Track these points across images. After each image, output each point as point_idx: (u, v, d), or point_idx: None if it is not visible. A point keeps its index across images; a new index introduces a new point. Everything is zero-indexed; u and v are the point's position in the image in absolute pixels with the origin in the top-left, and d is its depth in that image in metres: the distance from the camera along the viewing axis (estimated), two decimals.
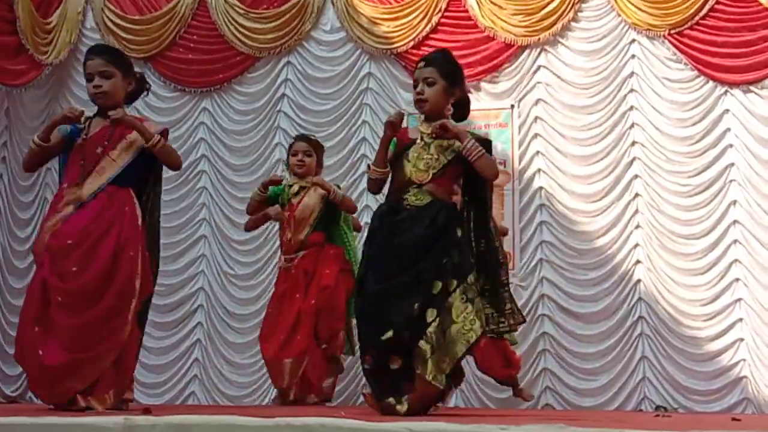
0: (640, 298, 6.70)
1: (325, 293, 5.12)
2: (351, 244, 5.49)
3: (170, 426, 2.19)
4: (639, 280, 6.73)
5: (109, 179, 3.63)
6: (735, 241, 6.58)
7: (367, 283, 3.52)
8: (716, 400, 6.41)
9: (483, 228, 3.65)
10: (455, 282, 3.43)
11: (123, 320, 3.52)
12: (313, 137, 5.58)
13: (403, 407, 3.33)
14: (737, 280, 6.53)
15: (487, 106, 7.20)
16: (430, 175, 3.54)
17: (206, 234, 7.53)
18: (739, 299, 6.50)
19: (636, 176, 6.86)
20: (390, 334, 3.34)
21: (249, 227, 5.81)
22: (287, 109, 7.57)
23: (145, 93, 3.92)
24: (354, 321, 5.09)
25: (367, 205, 7.27)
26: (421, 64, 3.68)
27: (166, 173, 7.47)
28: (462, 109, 3.76)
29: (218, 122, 7.67)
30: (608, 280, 6.79)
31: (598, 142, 6.94)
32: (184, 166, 7.47)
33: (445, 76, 3.63)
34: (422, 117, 3.70)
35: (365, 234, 3.94)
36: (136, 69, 3.93)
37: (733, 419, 3.36)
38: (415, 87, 3.65)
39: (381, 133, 7.03)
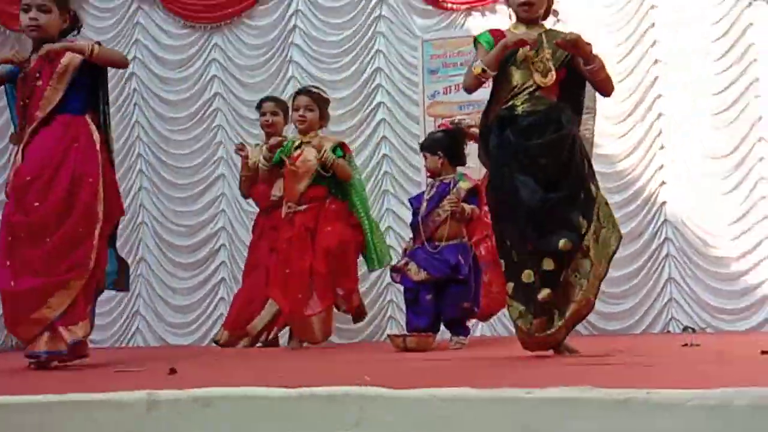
0: (666, 220, 6.63)
1: (331, 258, 5.04)
2: (361, 196, 5.33)
3: (193, 399, 2.18)
4: (665, 202, 6.64)
5: (53, 105, 3.67)
6: (761, 159, 6.46)
7: (520, 187, 3.38)
8: (743, 319, 6.38)
9: None
10: (594, 187, 3.47)
11: (88, 246, 3.58)
12: (315, 90, 5.35)
13: (555, 326, 3.36)
14: (764, 197, 6.43)
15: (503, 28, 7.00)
16: (553, 77, 3.45)
17: (225, 173, 7.48)
18: (766, 217, 6.41)
19: (659, 95, 6.71)
20: (569, 243, 3.30)
21: (245, 190, 5.97)
22: (299, 41, 7.43)
23: (76, 32, 3.90)
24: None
25: (384, 136, 7.20)
26: None
27: (177, 114, 7.45)
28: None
29: (230, 58, 7.55)
30: (633, 202, 6.70)
31: (621, 61, 6.72)
32: (198, 105, 7.49)
33: None
34: (514, 19, 3.59)
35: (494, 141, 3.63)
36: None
37: (763, 352, 3.31)
38: None
39: (395, 62, 7.03)
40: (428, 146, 5.07)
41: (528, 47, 3.45)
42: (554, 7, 3.70)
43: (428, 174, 5.21)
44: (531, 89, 3.47)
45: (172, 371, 3.07)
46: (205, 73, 7.59)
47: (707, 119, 6.58)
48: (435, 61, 7.08)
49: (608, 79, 3.53)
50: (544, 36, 3.51)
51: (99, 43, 3.79)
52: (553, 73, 3.45)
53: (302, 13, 7.45)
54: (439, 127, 5.21)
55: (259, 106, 6.02)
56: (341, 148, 5.28)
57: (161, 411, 2.15)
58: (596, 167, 6.56)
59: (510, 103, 3.50)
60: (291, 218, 5.13)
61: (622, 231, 6.48)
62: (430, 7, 7.19)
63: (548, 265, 3.35)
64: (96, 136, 3.72)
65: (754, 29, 6.51)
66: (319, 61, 7.37)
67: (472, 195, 4.91)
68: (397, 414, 2.03)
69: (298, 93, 5.37)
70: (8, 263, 3.55)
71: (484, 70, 3.45)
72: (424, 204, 4.95)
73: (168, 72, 7.66)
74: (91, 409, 2.20)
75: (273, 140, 5.37)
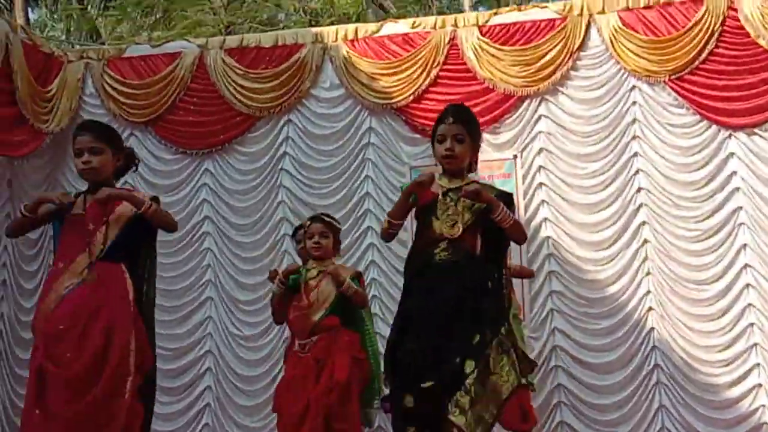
0: (654, 346, 6.62)
1: (338, 391, 4.88)
2: (370, 329, 5.21)
3: None
4: (652, 328, 6.65)
5: (100, 254, 3.62)
6: (747, 286, 6.51)
7: (407, 337, 3.57)
8: None
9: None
10: (490, 334, 3.52)
11: (120, 402, 3.49)
12: (327, 217, 5.30)
13: None
14: (752, 324, 6.46)
15: (489, 157, 7.15)
16: (460, 230, 3.62)
17: (212, 296, 7.45)
18: (755, 344, 6.43)
19: (644, 222, 6.81)
20: (430, 384, 3.40)
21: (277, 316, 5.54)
22: (289, 167, 7.54)
23: (134, 168, 3.92)
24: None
25: (373, 260, 7.23)
26: (450, 119, 3.71)
27: (167, 237, 7.48)
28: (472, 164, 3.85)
29: (220, 183, 7.63)
30: (621, 328, 6.71)
31: (604, 189, 6.89)
32: (187, 228, 7.52)
33: (472, 135, 3.74)
34: (440, 170, 3.76)
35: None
36: (127, 143, 3.95)
37: None
38: (440, 141, 3.70)
39: (384, 188, 7.14)
40: None
41: (445, 198, 3.65)
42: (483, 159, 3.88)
43: None
44: (450, 239, 3.63)
45: None
46: (195, 197, 7.65)
47: (693, 245, 6.66)
48: None
49: (516, 226, 3.69)
50: (464, 188, 3.65)
51: (158, 200, 3.80)
52: (460, 225, 3.61)
53: (292, 140, 7.58)
54: None
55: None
56: (357, 278, 5.25)
57: None
58: (583, 293, 6.73)
59: (431, 249, 3.66)
60: (303, 349, 5.04)
61: (611, 357, 6.65)
62: (417, 136, 7.35)
63: (408, 402, 3.48)
64: (130, 286, 3.68)
65: (735, 159, 6.67)
66: (308, 186, 7.46)
67: None
68: None
69: (312, 220, 5.27)
70: (37, 412, 3.45)
71: (389, 222, 3.71)
72: None
73: (158, 196, 7.69)
74: None
75: (289, 266, 5.33)
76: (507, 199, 3.74)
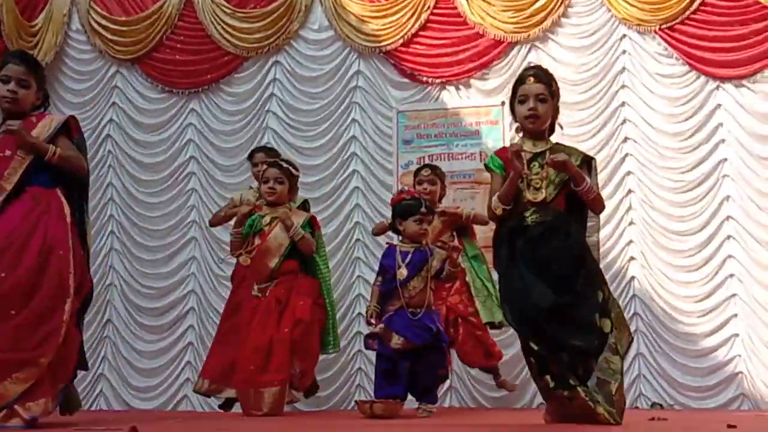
0: (634, 295, 6.67)
1: (300, 328, 4.94)
2: (326, 277, 5.29)
3: None
4: (633, 277, 6.69)
5: (17, 177, 3.65)
6: (729, 237, 6.54)
7: (530, 288, 3.46)
8: (712, 396, 6.38)
9: None
10: (608, 290, 3.61)
11: (58, 321, 3.50)
12: (285, 164, 5.35)
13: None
14: (731, 275, 6.50)
15: (477, 103, 7.14)
16: (551, 195, 3.59)
17: (196, 236, 7.46)
18: (734, 295, 6.47)
19: (629, 173, 6.82)
20: (580, 342, 3.39)
21: (215, 223, 6.11)
22: (276, 109, 7.51)
23: (43, 109, 3.93)
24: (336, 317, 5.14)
25: (358, 204, 7.23)
26: (531, 79, 3.69)
27: (152, 177, 7.46)
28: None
29: (206, 123, 7.60)
30: None
31: (590, 138, 6.88)
32: (172, 168, 7.51)
33: (553, 95, 3.72)
34: (520, 132, 3.71)
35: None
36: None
37: (729, 426, 3.30)
38: (522, 102, 3.66)
39: (371, 132, 7.12)
40: (426, 211, 5.00)
41: (531, 165, 3.61)
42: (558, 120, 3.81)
43: (405, 240, 5.12)
44: (539, 203, 3.59)
45: (134, 430, 3.01)
46: (180, 137, 7.62)
47: (676, 196, 6.68)
48: (409, 132, 7.18)
49: (598, 199, 3.69)
50: (548, 153, 3.63)
51: (75, 121, 3.85)
52: (543, 192, 3.57)
53: (279, 82, 7.54)
54: (401, 194, 5.22)
55: (250, 157, 6.03)
56: (310, 224, 5.27)
57: None
58: None
59: (520, 215, 3.62)
60: (262, 292, 5.07)
61: None
62: (405, 80, 7.32)
63: (564, 358, 3.42)
64: (67, 209, 3.70)
65: (722, 110, 6.67)
66: (294, 128, 7.43)
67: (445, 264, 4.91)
68: None
69: (270, 165, 5.30)
70: None
71: (504, 210, 3.62)
72: (404, 269, 4.90)
73: (144, 135, 7.69)
74: None
75: (244, 208, 5.37)
76: (590, 163, 3.74)
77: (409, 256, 4.91)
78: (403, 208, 4.98)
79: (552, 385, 3.44)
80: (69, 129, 3.85)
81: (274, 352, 4.86)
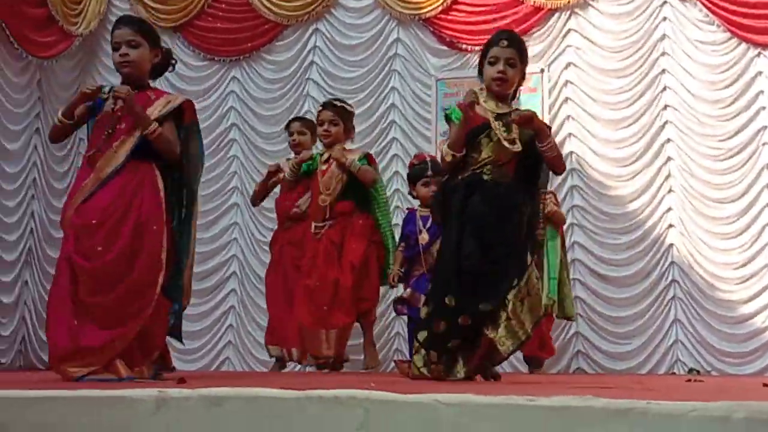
0: (672, 262, 6.68)
1: (356, 272, 5.05)
2: (382, 209, 5.30)
3: (203, 398, 2.21)
4: (672, 244, 6.71)
5: (128, 152, 3.61)
6: None
7: (467, 249, 3.57)
8: (749, 363, 6.41)
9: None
10: (530, 257, 3.66)
11: (150, 295, 3.55)
12: (338, 103, 5.41)
13: (460, 373, 3.52)
14: None
15: None
16: (509, 155, 3.62)
17: (238, 202, 7.59)
18: None
19: (668, 140, 6.81)
20: (489, 306, 3.50)
21: (257, 198, 6.03)
22: (316, 77, 7.58)
23: (171, 68, 3.91)
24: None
25: (397, 171, 7.29)
26: (504, 43, 3.69)
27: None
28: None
29: (248, 91, 7.69)
30: (640, 244, 6.77)
31: (630, 105, 6.87)
32: (214, 135, 7.62)
33: (523, 61, 3.73)
34: (485, 92, 3.73)
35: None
36: (164, 43, 3.91)
37: (765, 385, 3.34)
38: (492, 63, 3.68)
39: (410, 99, 7.16)
40: (432, 173, 5.04)
41: (497, 122, 3.63)
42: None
43: (422, 204, 5.16)
44: (497, 162, 3.64)
45: (182, 381, 3.12)
46: (222, 104, 7.73)
47: (716, 164, 6.67)
48: (448, 100, 7.20)
49: (559, 157, 3.73)
50: (510, 114, 3.66)
51: (190, 106, 3.75)
52: (519, 144, 3.60)
53: (320, 50, 7.60)
54: (413, 160, 5.28)
55: (287, 127, 6.07)
56: (367, 158, 5.33)
57: (170, 409, 2.16)
58: (605, 208, 6.78)
59: (479, 170, 3.66)
60: (318, 233, 5.16)
61: (629, 271, 6.72)
62: (444, 48, 7.34)
63: (464, 321, 3.53)
64: (161, 183, 3.64)
65: (763, 78, 6.62)
66: (334, 96, 7.46)
67: None
68: (401, 417, 2.07)
69: (323, 107, 5.39)
70: (69, 306, 3.46)
71: (453, 156, 3.67)
72: (425, 234, 4.97)
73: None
74: (102, 405, 2.24)
75: (303, 154, 5.43)
76: (548, 127, 3.82)
77: (429, 220, 4.97)
78: (412, 173, 5.06)
79: (436, 359, 3.55)
80: (182, 112, 3.74)
81: (340, 297, 4.98)
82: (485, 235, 3.57)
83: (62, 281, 3.52)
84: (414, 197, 5.15)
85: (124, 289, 3.50)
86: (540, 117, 3.79)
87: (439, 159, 3.93)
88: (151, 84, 3.80)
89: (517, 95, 3.87)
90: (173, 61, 3.89)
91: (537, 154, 3.66)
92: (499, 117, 3.66)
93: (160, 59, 3.79)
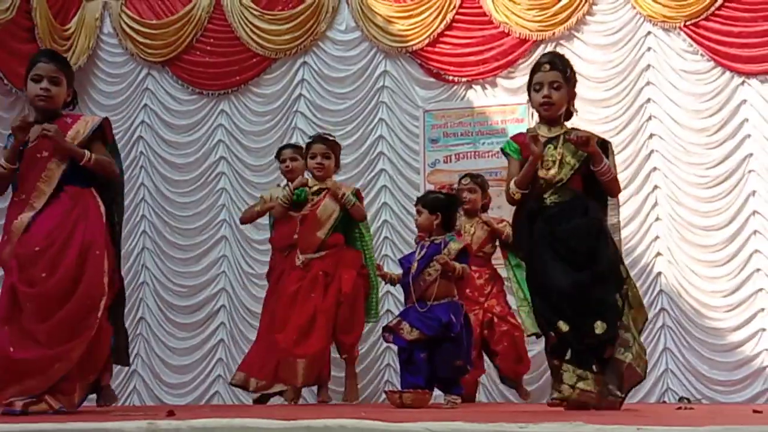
0: (661, 290, 6.70)
1: (347, 302, 5.08)
2: (368, 245, 5.43)
3: (193, 429, 2.22)
4: (660, 273, 6.73)
5: (56, 180, 3.71)
6: (755, 232, 6.57)
7: (550, 270, 3.56)
8: (739, 391, 6.40)
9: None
10: (624, 269, 3.70)
11: (92, 320, 3.58)
12: (330, 137, 5.49)
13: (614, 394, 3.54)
14: (758, 270, 6.52)
15: (503, 101, 7.22)
16: (566, 176, 3.66)
17: (227, 235, 7.59)
18: (760, 289, 6.50)
19: (655, 168, 6.86)
20: (603, 326, 3.46)
21: (247, 220, 6.15)
22: (304, 109, 7.62)
23: (72, 108, 3.99)
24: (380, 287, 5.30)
25: (385, 203, 7.32)
26: (546, 67, 3.74)
27: (183, 177, 7.56)
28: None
29: (236, 124, 7.73)
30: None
31: (616, 135, 6.91)
32: (202, 168, 7.64)
33: (569, 81, 3.75)
34: (537, 118, 3.80)
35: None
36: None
37: (755, 411, 3.35)
38: (537, 90, 3.72)
39: (398, 131, 7.19)
40: (429, 203, 5.09)
41: (550, 146, 3.68)
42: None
43: (419, 231, 5.21)
44: (557, 183, 3.66)
45: (171, 413, 3.11)
46: (211, 137, 7.75)
47: (702, 192, 6.72)
48: (436, 131, 7.26)
49: (614, 181, 3.74)
50: (563, 136, 3.70)
51: (108, 123, 3.92)
52: (558, 171, 3.63)
53: (307, 83, 7.65)
54: (439, 188, 5.32)
55: (278, 155, 6.08)
56: (356, 195, 5.38)
57: None
58: None
59: (539, 197, 3.70)
60: (307, 264, 5.19)
61: None
62: (432, 80, 7.40)
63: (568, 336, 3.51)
64: (102, 209, 3.78)
65: (748, 105, 6.69)
66: (322, 128, 7.46)
67: (463, 255, 4.92)
68: None
69: (315, 140, 5.43)
70: (6, 328, 3.54)
71: (522, 194, 3.71)
72: (415, 264, 4.97)
73: (175, 136, 7.82)
74: None
75: (298, 181, 5.45)
76: (606, 146, 3.79)
77: (424, 249, 4.98)
78: (424, 199, 5.13)
79: (564, 368, 3.53)
80: (103, 131, 3.91)
81: (316, 323, 4.97)
82: (560, 251, 3.57)
83: (2, 310, 3.57)
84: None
85: (66, 314, 3.54)
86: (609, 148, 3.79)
87: (505, 197, 3.90)
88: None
89: (573, 115, 3.86)
90: (76, 102, 4.03)
91: None
92: (548, 141, 3.71)
93: (71, 98, 3.94)
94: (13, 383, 3.48)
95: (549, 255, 3.57)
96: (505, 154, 3.85)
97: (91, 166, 3.75)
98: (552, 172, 3.63)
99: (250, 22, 7.62)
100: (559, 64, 3.76)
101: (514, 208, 3.86)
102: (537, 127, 3.75)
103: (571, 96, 3.78)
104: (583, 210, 3.64)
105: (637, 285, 6.54)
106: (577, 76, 3.83)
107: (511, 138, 3.89)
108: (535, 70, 3.78)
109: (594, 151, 3.61)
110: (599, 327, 3.45)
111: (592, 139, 3.60)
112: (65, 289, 3.56)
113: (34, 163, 3.75)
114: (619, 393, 3.60)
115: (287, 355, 5.03)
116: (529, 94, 3.78)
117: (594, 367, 3.51)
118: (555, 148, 3.67)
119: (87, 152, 3.75)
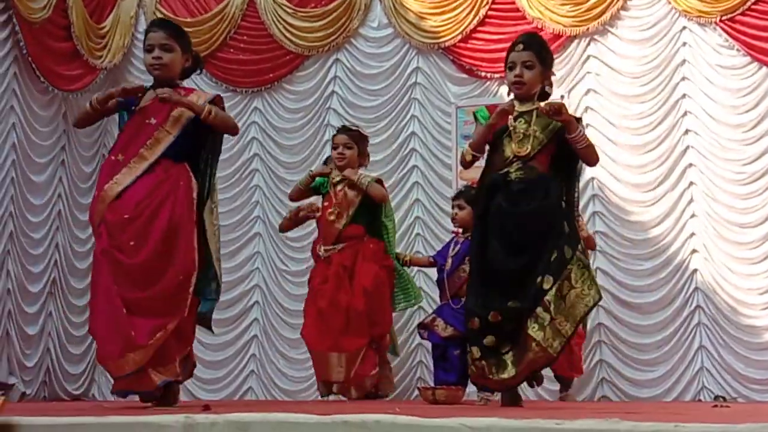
0: (696, 288, 6.64)
1: (367, 297, 5.04)
2: (391, 239, 5.37)
3: (230, 423, 2.23)
4: (696, 270, 6.66)
5: (162, 151, 3.67)
6: None
7: (492, 251, 3.65)
8: None
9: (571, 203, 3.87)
10: (570, 250, 3.63)
11: (185, 295, 3.58)
12: (354, 128, 5.47)
13: (510, 373, 3.55)
14: None
15: None
16: (534, 150, 3.69)
17: (260, 231, 7.63)
18: None
19: (690, 165, 6.79)
20: (517, 304, 3.54)
21: (285, 227, 5.84)
22: (337, 106, 7.64)
23: (199, 71, 3.98)
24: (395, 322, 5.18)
25: (417, 199, 7.32)
26: (519, 47, 3.79)
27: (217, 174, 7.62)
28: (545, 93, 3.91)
29: (269, 121, 7.76)
30: (664, 270, 6.73)
31: (651, 131, 6.87)
32: (236, 165, 7.68)
33: (542, 61, 3.80)
34: (512, 96, 3.83)
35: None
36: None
37: None
38: (510, 68, 3.78)
39: (430, 127, 7.20)
40: (470, 199, 5.06)
41: (521, 120, 3.72)
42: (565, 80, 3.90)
43: (456, 226, 5.22)
44: (524, 158, 3.69)
45: (206, 408, 3.13)
46: (244, 135, 7.77)
47: (739, 188, 6.64)
48: (468, 127, 7.22)
49: (591, 148, 3.77)
50: (535, 111, 3.73)
51: (220, 100, 3.83)
52: (528, 146, 3.67)
53: (340, 80, 7.67)
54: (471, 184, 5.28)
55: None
56: (377, 182, 5.35)
57: None
58: (627, 234, 6.76)
59: (504, 170, 3.73)
60: (328, 258, 5.19)
61: (653, 297, 6.67)
62: (464, 76, 7.38)
63: (494, 318, 3.58)
64: (194, 185, 3.72)
65: None
66: (355, 125, 7.53)
67: None
68: None
69: (338, 131, 5.44)
70: (117, 302, 3.52)
71: (473, 155, 3.79)
72: (449, 261, 4.99)
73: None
74: (131, 431, 2.26)
75: (320, 168, 5.44)
76: (578, 120, 3.83)
77: (458, 246, 4.98)
78: (463, 194, 5.12)
79: (478, 355, 3.60)
80: (216, 106, 3.82)
81: (351, 322, 4.98)
82: (510, 235, 3.62)
83: (104, 278, 3.56)
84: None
85: (159, 291, 3.55)
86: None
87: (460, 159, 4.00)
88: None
89: (549, 96, 3.87)
90: (202, 65, 4.00)
91: (569, 147, 3.71)
92: (520, 115, 3.74)
93: (190, 63, 3.87)
94: (120, 354, 3.47)
95: (497, 235, 3.65)
96: (475, 118, 3.95)
97: (212, 120, 3.69)
98: (520, 145, 3.68)
99: (283, 20, 7.65)
100: (533, 44, 3.82)
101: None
102: (511, 102, 3.80)
103: (547, 77, 3.82)
104: (544, 190, 3.67)
105: (673, 282, 6.61)
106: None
107: (486, 106, 4.00)
108: (509, 50, 3.83)
109: (567, 119, 3.66)
110: (514, 304, 3.55)
111: (563, 107, 3.65)
112: (155, 264, 3.55)
113: (141, 128, 3.70)
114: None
115: (325, 353, 5.02)
116: (506, 73, 3.83)
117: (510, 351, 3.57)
118: (526, 122, 3.71)
119: (208, 105, 3.70)
